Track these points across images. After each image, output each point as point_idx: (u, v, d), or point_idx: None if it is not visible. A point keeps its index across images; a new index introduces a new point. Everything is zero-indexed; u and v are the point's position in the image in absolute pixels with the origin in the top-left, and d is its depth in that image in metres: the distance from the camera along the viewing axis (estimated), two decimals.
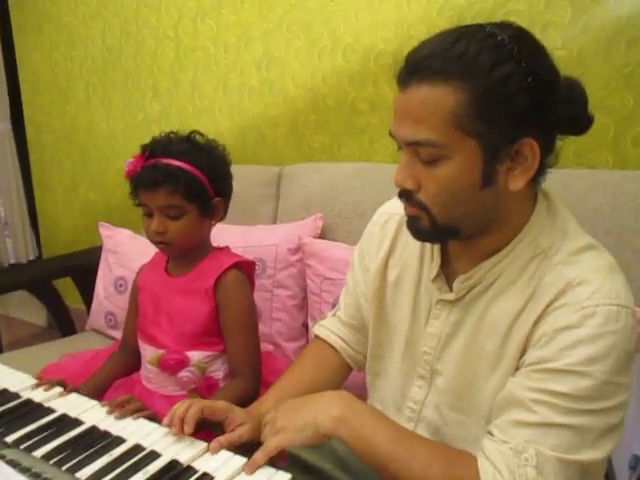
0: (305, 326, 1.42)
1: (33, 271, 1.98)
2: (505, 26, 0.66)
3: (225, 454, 0.74)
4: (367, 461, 0.70)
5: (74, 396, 0.91)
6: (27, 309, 2.66)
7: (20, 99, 2.52)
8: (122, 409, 0.85)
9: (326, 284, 1.32)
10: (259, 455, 0.71)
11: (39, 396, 0.90)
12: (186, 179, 1.05)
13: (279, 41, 1.69)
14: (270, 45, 1.71)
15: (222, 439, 0.76)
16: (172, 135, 1.11)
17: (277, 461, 0.73)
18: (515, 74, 0.62)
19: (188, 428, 0.76)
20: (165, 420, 0.79)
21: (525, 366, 0.67)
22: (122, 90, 2.12)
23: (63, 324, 1.87)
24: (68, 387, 0.93)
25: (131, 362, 1.21)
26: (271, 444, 0.71)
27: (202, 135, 1.13)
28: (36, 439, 0.78)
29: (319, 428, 0.70)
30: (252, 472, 0.70)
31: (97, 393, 1.10)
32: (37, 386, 0.93)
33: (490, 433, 0.67)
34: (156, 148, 1.07)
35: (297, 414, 0.73)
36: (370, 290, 0.89)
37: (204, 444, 0.76)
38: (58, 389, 0.93)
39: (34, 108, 2.48)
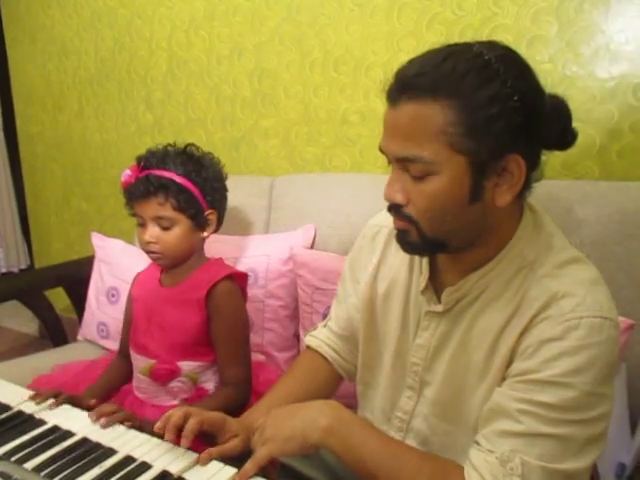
0: (297, 336, 1.42)
1: (25, 281, 1.96)
2: (493, 46, 0.68)
3: (216, 465, 0.75)
4: (356, 471, 0.71)
5: (65, 407, 0.91)
6: (18, 319, 2.65)
7: (12, 109, 2.52)
8: (107, 417, 0.84)
9: (317, 294, 1.33)
10: (249, 465, 0.71)
11: (30, 408, 0.90)
12: (177, 191, 1.06)
13: (271, 53, 1.71)
14: (262, 57, 1.73)
15: (213, 451, 0.76)
16: (169, 147, 1.12)
17: (269, 471, 0.74)
18: (501, 93, 0.63)
19: (186, 442, 0.75)
20: (158, 425, 0.77)
21: (511, 377, 0.68)
22: (115, 101, 2.13)
23: (55, 334, 1.86)
24: (60, 397, 0.93)
25: (129, 371, 1.21)
26: (261, 454, 0.72)
27: (198, 148, 1.15)
28: (27, 451, 0.78)
29: (308, 438, 0.71)
30: None
31: (100, 401, 1.09)
32: (34, 397, 0.92)
33: (477, 443, 0.68)
34: (151, 160, 1.08)
35: (286, 424, 0.73)
36: (360, 302, 0.90)
37: (195, 455, 0.76)
38: (50, 400, 0.92)
39: (27, 118, 2.49)
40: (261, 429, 0.75)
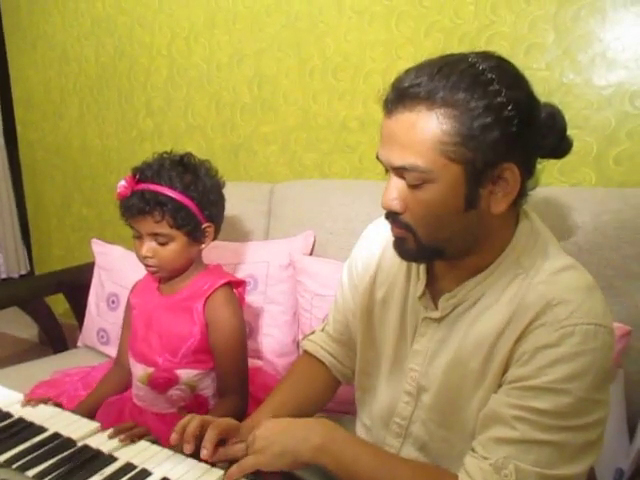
0: (296, 342, 1.42)
1: (25, 287, 1.97)
2: (487, 56, 0.69)
3: (218, 472, 0.75)
4: None
5: (67, 414, 0.92)
6: (18, 325, 2.65)
7: (13, 115, 2.53)
8: (126, 434, 0.83)
9: (317, 300, 1.33)
10: (234, 470, 0.71)
11: (26, 411, 0.91)
12: (174, 208, 1.04)
13: (271, 60, 1.72)
14: (262, 64, 1.74)
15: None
16: (165, 157, 1.10)
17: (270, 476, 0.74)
18: (495, 103, 0.64)
19: (207, 453, 0.74)
20: (173, 436, 0.77)
21: (506, 383, 0.69)
22: (116, 107, 2.14)
23: (55, 340, 1.87)
24: (49, 403, 0.94)
25: (125, 380, 1.20)
26: (248, 462, 0.72)
27: (195, 158, 1.13)
28: (28, 458, 0.78)
29: (299, 457, 0.71)
30: None
31: (92, 413, 1.10)
32: (24, 405, 0.94)
33: (472, 449, 0.69)
34: (147, 173, 1.06)
35: (277, 440, 0.72)
36: (358, 308, 0.91)
37: (194, 461, 0.76)
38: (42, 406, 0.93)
39: (27, 124, 2.50)
40: (252, 439, 0.75)
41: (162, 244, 1.07)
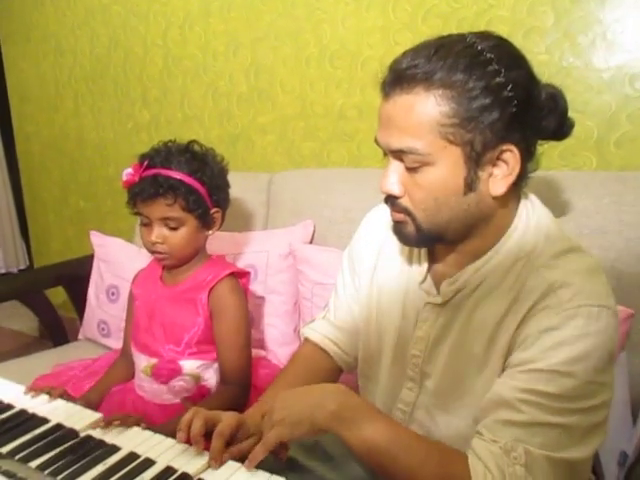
0: (298, 331, 1.42)
1: (24, 280, 1.96)
2: (486, 36, 0.68)
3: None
4: (363, 456, 0.70)
5: (69, 406, 0.91)
6: (18, 319, 2.65)
7: (8, 109, 2.52)
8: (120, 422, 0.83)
9: (318, 289, 1.33)
10: (259, 449, 0.70)
11: (29, 403, 0.91)
12: (186, 191, 1.05)
13: (267, 49, 1.70)
14: (258, 53, 1.72)
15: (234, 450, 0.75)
16: (171, 145, 1.10)
17: (280, 452, 0.73)
18: (494, 84, 0.63)
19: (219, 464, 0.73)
20: (179, 435, 0.75)
21: (511, 367, 0.68)
22: (111, 99, 2.13)
23: (55, 334, 1.86)
24: (55, 391, 0.94)
25: (132, 371, 1.20)
26: (270, 438, 0.70)
27: (200, 145, 1.13)
28: (31, 449, 0.78)
29: (315, 423, 0.70)
30: (253, 466, 0.70)
31: (98, 404, 1.10)
32: (28, 392, 0.94)
33: (479, 433, 0.68)
34: (155, 159, 1.06)
35: (294, 408, 0.71)
36: (360, 295, 0.90)
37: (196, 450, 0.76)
38: (44, 396, 0.93)
39: (23, 117, 2.48)
40: (270, 412, 0.74)
41: (172, 229, 1.07)
